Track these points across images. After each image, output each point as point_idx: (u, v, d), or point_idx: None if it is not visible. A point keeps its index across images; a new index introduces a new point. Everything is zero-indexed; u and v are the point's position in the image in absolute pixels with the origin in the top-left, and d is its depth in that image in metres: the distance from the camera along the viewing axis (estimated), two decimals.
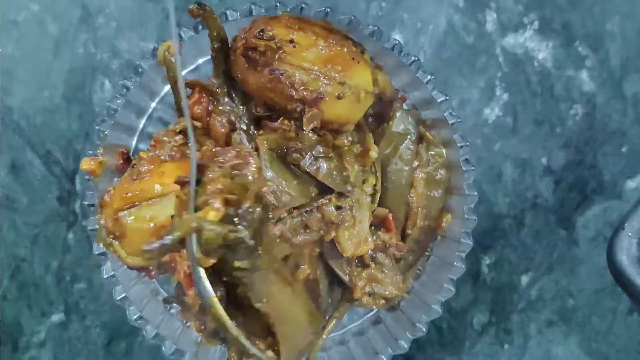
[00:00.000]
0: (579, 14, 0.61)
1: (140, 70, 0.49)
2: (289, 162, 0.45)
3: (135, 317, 0.49)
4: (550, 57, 0.61)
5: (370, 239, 0.47)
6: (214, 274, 0.40)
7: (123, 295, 0.49)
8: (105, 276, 0.49)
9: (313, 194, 0.45)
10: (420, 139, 0.51)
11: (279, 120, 0.45)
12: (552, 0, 0.61)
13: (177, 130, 0.48)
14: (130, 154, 0.51)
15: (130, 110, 0.50)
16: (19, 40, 0.61)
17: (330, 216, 0.44)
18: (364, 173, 0.48)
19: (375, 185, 0.48)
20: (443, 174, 0.51)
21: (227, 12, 0.47)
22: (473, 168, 0.49)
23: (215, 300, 0.40)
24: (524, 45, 0.61)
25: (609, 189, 0.61)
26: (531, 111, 0.61)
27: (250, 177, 0.40)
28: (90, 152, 0.49)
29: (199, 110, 0.46)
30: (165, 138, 0.47)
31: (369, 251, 0.48)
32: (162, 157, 0.46)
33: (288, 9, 0.47)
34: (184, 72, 0.48)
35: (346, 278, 0.48)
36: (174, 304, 0.51)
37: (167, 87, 0.51)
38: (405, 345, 0.49)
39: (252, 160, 0.41)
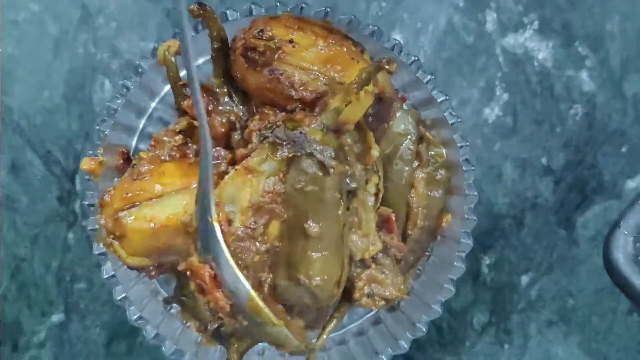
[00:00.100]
0: (579, 14, 0.61)
1: (140, 70, 0.49)
2: None
3: (135, 317, 0.49)
4: (550, 57, 0.61)
5: (378, 240, 0.47)
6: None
7: (123, 295, 0.49)
8: (105, 276, 0.49)
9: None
10: (420, 139, 0.51)
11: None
12: (552, 0, 0.61)
13: (177, 130, 0.48)
14: (130, 154, 0.51)
15: (130, 110, 0.50)
16: (19, 40, 0.61)
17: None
18: (366, 173, 0.48)
19: (378, 184, 0.48)
20: (443, 174, 0.51)
21: (227, 12, 0.47)
22: (473, 168, 0.49)
23: (255, 294, 0.40)
24: (524, 45, 0.61)
25: (608, 189, 0.61)
26: (531, 111, 0.61)
27: None
28: (90, 152, 0.49)
29: None
30: (165, 138, 0.47)
31: None
32: (162, 157, 0.46)
33: (288, 9, 0.47)
34: (182, 73, 0.48)
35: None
36: (174, 304, 0.51)
37: (167, 87, 0.51)
38: (405, 345, 0.49)
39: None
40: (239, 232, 0.41)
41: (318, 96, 0.43)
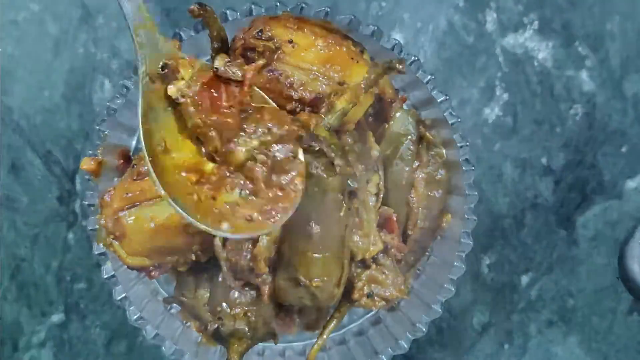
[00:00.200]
0: (579, 14, 0.61)
1: None
2: None
3: (135, 317, 0.49)
4: (550, 57, 0.61)
5: (379, 240, 0.47)
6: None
7: (123, 295, 0.49)
8: (105, 276, 0.49)
9: None
10: (420, 139, 0.51)
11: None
12: (552, 0, 0.61)
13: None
14: (130, 154, 0.51)
15: (130, 110, 0.50)
16: (19, 40, 0.61)
17: None
18: (367, 172, 0.47)
19: (378, 184, 0.48)
20: (443, 174, 0.51)
21: (227, 12, 0.47)
22: (473, 168, 0.49)
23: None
24: (524, 45, 0.61)
25: (609, 189, 0.61)
26: (531, 111, 0.61)
27: None
28: (90, 152, 0.49)
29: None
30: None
31: None
32: None
33: (288, 9, 0.47)
34: None
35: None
36: (174, 304, 0.51)
37: None
38: (405, 345, 0.49)
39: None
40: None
41: (317, 96, 0.43)
